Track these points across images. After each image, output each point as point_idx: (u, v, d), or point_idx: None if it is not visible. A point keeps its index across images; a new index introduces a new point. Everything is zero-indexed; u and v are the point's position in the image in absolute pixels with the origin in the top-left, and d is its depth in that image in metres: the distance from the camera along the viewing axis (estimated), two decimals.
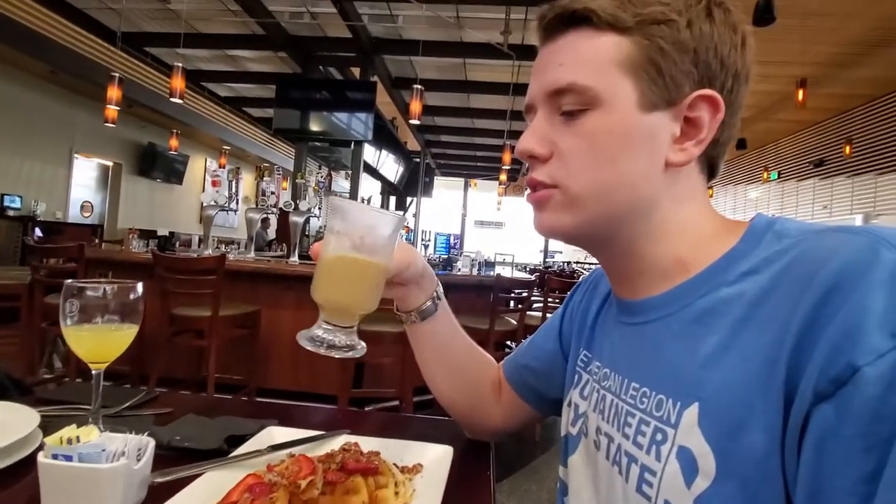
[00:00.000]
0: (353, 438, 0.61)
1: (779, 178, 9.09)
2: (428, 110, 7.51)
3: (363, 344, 0.52)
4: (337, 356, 0.49)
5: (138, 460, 0.47)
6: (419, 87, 4.54)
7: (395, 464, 0.56)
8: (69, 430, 0.49)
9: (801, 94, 4.79)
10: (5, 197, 5.86)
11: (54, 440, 0.47)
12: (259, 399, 2.67)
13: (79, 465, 0.44)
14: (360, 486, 0.49)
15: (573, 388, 0.57)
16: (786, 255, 0.37)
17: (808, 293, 0.32)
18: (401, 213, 0.62)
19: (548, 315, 2.80)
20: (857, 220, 7.11)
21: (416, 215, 12.04)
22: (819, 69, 5.92)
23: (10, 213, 5.91)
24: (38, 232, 5.60)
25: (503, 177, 8.56)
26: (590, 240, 0.47)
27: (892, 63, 5.81)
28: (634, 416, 0.43)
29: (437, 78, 7.03)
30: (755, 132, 8.40)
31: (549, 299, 3.05)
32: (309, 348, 0.49)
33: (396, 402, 2.62)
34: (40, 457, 0.45)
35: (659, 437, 0.40)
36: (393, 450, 0.59)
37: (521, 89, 6.32)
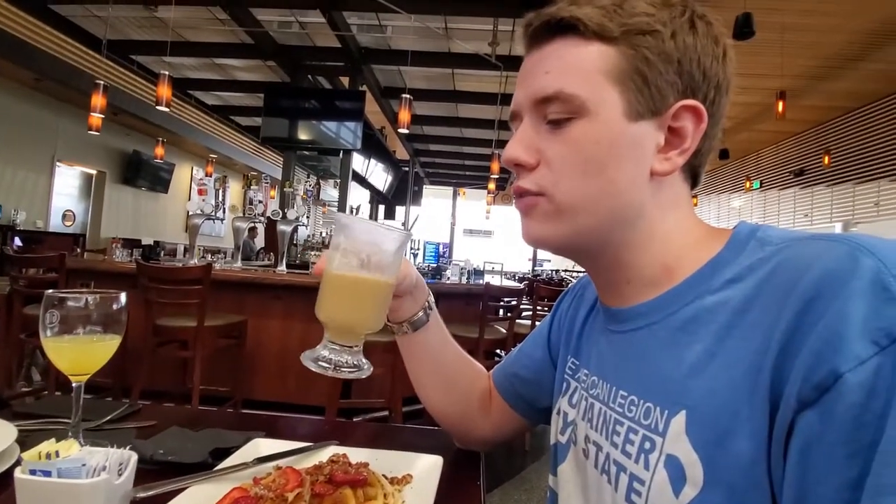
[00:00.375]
0: (341, 450, 0.60)
1: (761, 187, 9.28)
2: (416, 119, 7.54)
3: (369, 363, 0.51)
4: (343, 377, 0.48)
5: (120, 475, 0.46)
6: (408, 96, 4.56)
7: (384, 475, 0.55)
8: (48, 445, 0.48)
9: (780, 105, 4.92)
10: None
11: (32, 455, 0.46)
12: (245, 411, 2.62)
13: (58, 480, 0.43)
14: (348, 498, 0.48)
15: (562, 396, 0.57)
16: (768, 262, 0.38)
17: (791, 301, 0.33)
18: (406, 229, 0.58)
19: (537, 323, 2.81)
20: (837, 228, 7.28)
21: (404, 224, 12.03)
22: (797, 82, 6.08)
23: None
24: (17, 241, 5.47)
25: (492, 185, 8.61)
26: (578, 250, 0.47)
27: (867, 76, 6.01)
28: (622, 425, 0.43)
29: (425, 88, 7.07)
30: (737, 142, 8.58)
31: (538, 307, 3.07)
32: (315, 370, 0.48)
33: (386, 413, 2.60)
34: (17, 472, 0.43)
35: (647, 445, 0.40)
36: (382, 460, 0.58)
37: (508, 99, 6.33)
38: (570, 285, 0.67)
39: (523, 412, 0.66)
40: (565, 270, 11.40)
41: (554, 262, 13.94)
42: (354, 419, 2.59)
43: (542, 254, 13.75)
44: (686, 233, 0.46)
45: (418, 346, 0.64)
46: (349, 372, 0.49)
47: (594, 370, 0.51)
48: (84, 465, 0.45)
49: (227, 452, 0.58)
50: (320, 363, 0.48)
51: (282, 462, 0.57)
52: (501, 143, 7.72)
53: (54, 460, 0.45)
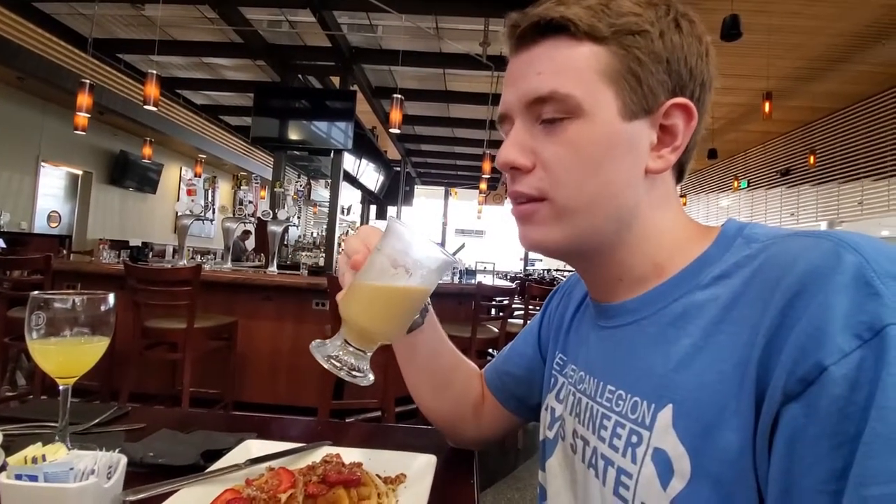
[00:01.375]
0: (334, 450, 0.60)
1: (748, 186, 9.41)
2: (408, 119, 7.52)
3: (372, 372, 0.50)
4: (349, 380, 0.48)
5: (109, 478, 0.45)
6: (399, 96, 4.55)
7: (377, 474, 0.55)
8: (34, 449, 0.47)
9: (767, 106, 4.98)
10: None
11: (18, 460, 0.45)
12: (236, 412, 2.60)
13: (44, 485, 0.42)
14: (342, 499, 0.48)
15: (550, 391, 0.57)
16: (755, 259, 0.39)
17: (776, 296, 0.34)
18: (452, 255, 0.57)
19: (528, 322, 2.81)
20: (822, 227, 7.40)
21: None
22: (783, 83, 6.17)
23: None
24: (1, 243, 5.37)
25: (483, 186, 8.62)
26: (576, 252, 0.47)
27: (851, 78, 6.11)
28: (610, 419, 0.44)
29: (416, 88, 7.06)
30: (725, 142, 8.69)
31: (530, 306, 3.07)
32: (324, 366, 0.48)
33: (378, 413, 2.59)
34: (2, 477, 0.42)
35: (634, 439, 0.41)
36: (375, 460, 0.58)
37: (499, 99, 6.39)
38: (560, 283, 0.68)
39: (515, 410, 0.66)
40: (556, 270, 11.45)
41: (545, 262, 14.01)
42: (347, 420, 2.58)
43: (534, 253, 13.81)
44: (676, 230, 0.46)
45: (412, 349, 0.63)
46: (355, 376, 0.48)
47: (582, 365, 0.52)
48: (72, 468, 0.44)
49: (218, 454, 0.58)
50: (332, 361, 0.48)
51: (274, 463, 0.56)
52: (493, 143, 7.74)
53: (41, 464, 0.45)
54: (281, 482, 0.48)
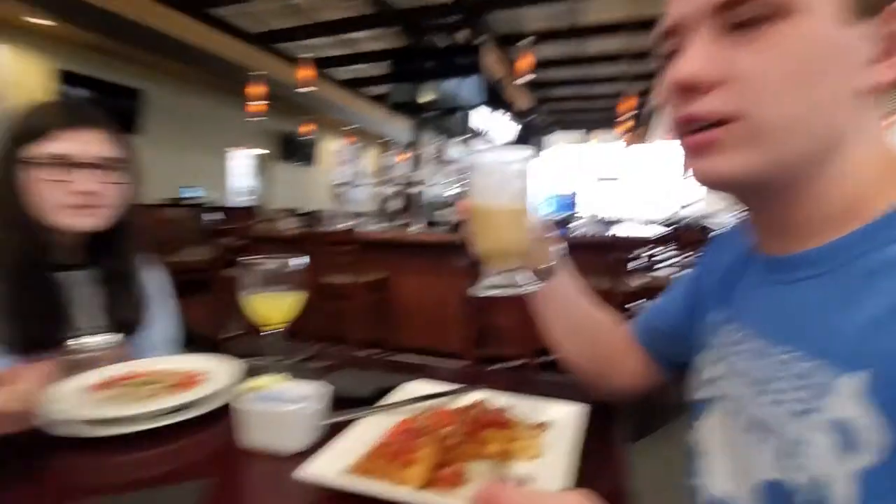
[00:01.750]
0: (484, 394, 0.66)
1: None
2: (539, 64, 7.16)
3: (531, 279, 0.56)
4: (511, 294, 0.54)
5: (315, 405, 0.57)
6: (529, 40, 4.35)
7: (524, 420, 0.59)
8: (260, 379, 0.61)
9: None
10: (186, 189, 7.09)
11: (250, 386, 0.59)
12: (397, 357, 2.95)
13: (271, 407, 0.55)
14: (492, 439, 0.53)
15: (704, 350, 0.54)
16: None
17: None
18: (526, 149, 0.61)
19: (675, 275, 2.58)
20: None
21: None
22: None
23: (189, 201, 7.13)
24: (215, 216, 6.64)
25: (625, 126, 7.89)
26: (767, 185, 0.40)
27: None
28: (777, 383, 0.40)
29: (546, 28, 6.63)
30: None
31: (679, 257, 2.81)
32: (482, 294, 0.54)
33: (521, 362, 2.69)
34: (239, 400, 0.56)
35: (806, 406, 0.37)
36: (522, 406, 0.62)
37: (639, 27, 5.69)
38: (715, 234, 0.62)
39: (663, 365, 0.64)
40: (708, 217, 10.07)
41: (696, 208, 12.39)
42: (489, 368, 2.73)
43: (683, 200, 12.30)
44: (880, 165, 0.39)
45: (549, 297, 0.65)
46: (517, 290, 0.54)
47: (747, 324, 0.47)
48: (288, 395, 0.57)
49: (388, 391, 0.68)
50: (492, 290, 0.54)
51: (433, 402, 0.64)
52: (635, 78, 6.96)
53: (266, 391, 0.58)
54: (442, 419, 0.55)
